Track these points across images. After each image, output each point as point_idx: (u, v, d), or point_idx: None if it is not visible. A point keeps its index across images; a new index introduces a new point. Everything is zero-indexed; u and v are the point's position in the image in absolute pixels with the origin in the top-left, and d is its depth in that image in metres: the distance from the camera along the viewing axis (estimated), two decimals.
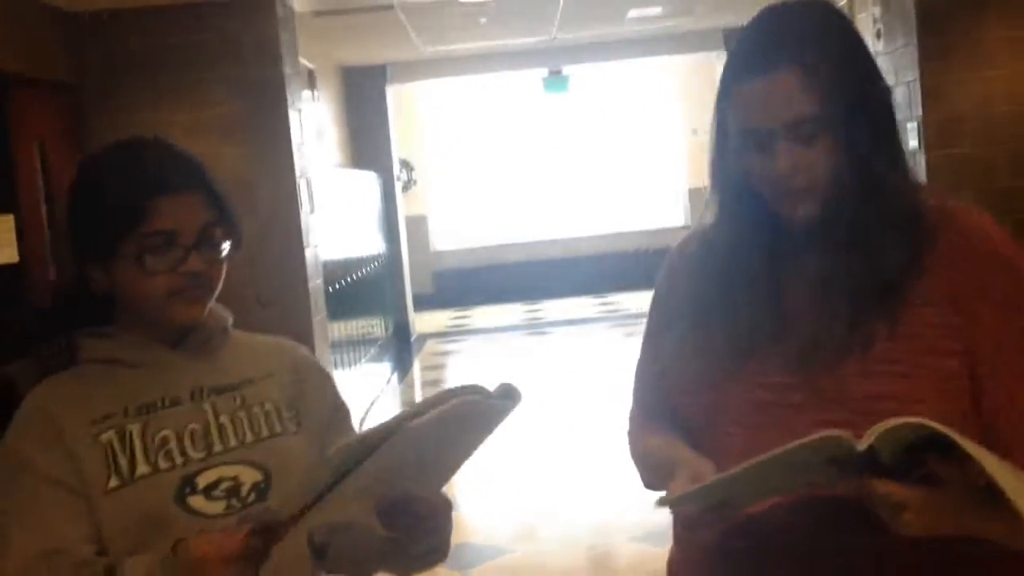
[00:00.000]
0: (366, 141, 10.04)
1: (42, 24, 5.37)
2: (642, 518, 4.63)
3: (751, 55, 1.25)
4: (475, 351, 9.96)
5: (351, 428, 1.56)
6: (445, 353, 9.95)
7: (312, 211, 5.89)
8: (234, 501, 1.34)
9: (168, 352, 1.40)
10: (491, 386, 1.22)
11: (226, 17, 5.56)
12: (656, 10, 8.51)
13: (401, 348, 9.90)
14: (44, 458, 1.30)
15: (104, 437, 1.32)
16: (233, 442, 1.38)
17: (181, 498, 1.32)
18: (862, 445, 1.04)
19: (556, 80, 11.12)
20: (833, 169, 1.23)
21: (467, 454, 1.28)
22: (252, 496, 1.36)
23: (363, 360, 7.70)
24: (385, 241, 9.75)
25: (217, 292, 1.41)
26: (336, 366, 6.38)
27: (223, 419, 1.39)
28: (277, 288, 5.67)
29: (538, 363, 9.02)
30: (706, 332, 1.30)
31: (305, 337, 5.70)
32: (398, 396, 8.18)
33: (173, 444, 1.34)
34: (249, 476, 1.36)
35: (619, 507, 4.79)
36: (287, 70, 5.67)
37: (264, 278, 5.63)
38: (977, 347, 1.19)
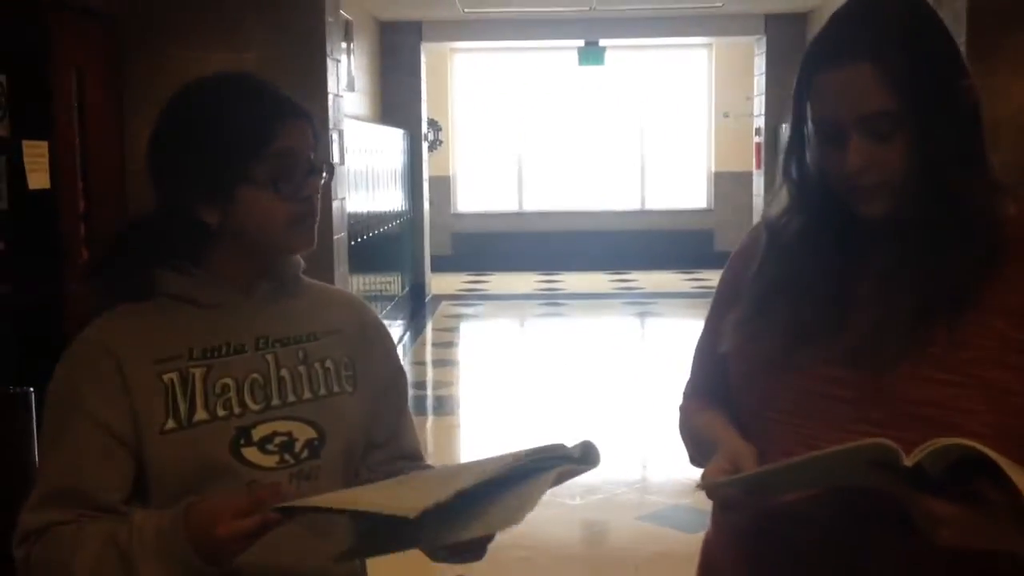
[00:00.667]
0: (397, 98, 10.02)
1: None
2: (643, 498, 4.67)
3: (831, 44, 1.22)
4: (488, 317, 9.98)
5: (405, 397, 1.56)
6: (458, 316, 9.97)
7: (342, 163, 5.89)
8: (287, 456, 1.35)
9: (241, 296, 1.39)
10: (571, 442, 1.22)
11: None
12: None
13: (416, 307, 9.93)
14: (94, 397, 1.30)
15: (166, 377, 1.32)
16: (291, 397, 1.38)
17: (236, 448, 1.32)
18: (910, 461, 1.04)
19: (591, 52, 11.06)
20: (907, 168, 1.20)
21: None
22: (305, 452, 1.37)
23: (379, 315, 7.72)
24: (408, 199, 9.75)
25: (318, 220, 1.41)
26: None
27: (284, 372, 1.38)
28: (319, 232, 5.66)
29: (550, 335, 9.03)
30: (768, 318, 1.29)
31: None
32: (409, 355, 8.21)
33: (232, 393, 1.34)
34: (303, 433, 1.37)
35: (621, 486, 4.82)
36: (328, 18, 5.65)
37: None
38: None
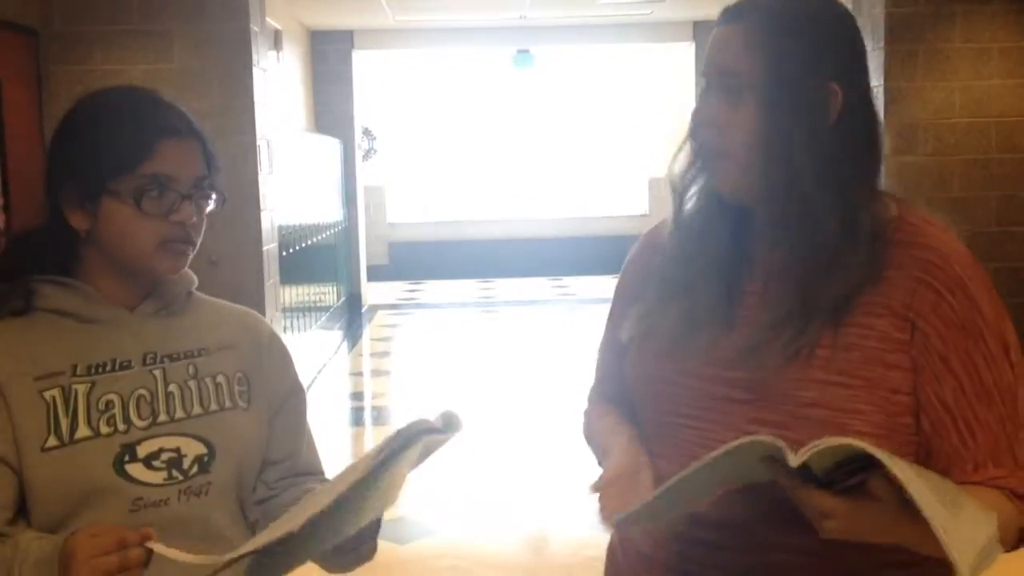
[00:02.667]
0: (329, 107, 9.95)
1: None
2: (580, 503, 4.66)
3: (730, 7, 1.27)
4: (425, 325, 9.95)
5: (303, 414, 1.54)
6: (395, 325, 9.92)
7: (271, 173, 5.83)
8: (175, 472, 1.33)
9: (126, 312, 1.37)
10: (433, 415, 1.23)
11: None
12: None
13: (352, 317, 9.86)
14: None
15: (48, 394, 1.29)
16: (180, 412, 1.36)
17: (120, 465, 1.30)
18: (796, 461, 1.05)
19: (524, 56, 11.10)
20: (748, 142, 1.21)
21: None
22: (194, 468, 1.34)
23: (314, 327, 7.66)
24: (342, 208, 9.68)
25: (197, 247, 1.39)
26: (287, 331, 6.34)
27: (172, 387, 1.36)
28: (231, 249, 5.60)
29: (488, 341, 9.03)
30: (664, 314, 1.30)
31: (256, 301, 5.65)
32: (347, 364, 8.15)
33: (117, 409, 1.32)
34: (192, 448, 1.35)
35: (558, 491, 4.81)
36: (253, 28, 5.59)
37: (218, 238, 5.54)
38: (923, 364, 1.19)
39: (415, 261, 13.06)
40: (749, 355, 1.21)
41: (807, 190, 1.20)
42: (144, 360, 1.36)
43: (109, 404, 1.31)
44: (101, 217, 1.32)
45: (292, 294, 6.82)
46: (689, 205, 1.33)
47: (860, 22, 6.25)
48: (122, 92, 1.39)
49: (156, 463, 1.32)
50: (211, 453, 1.36)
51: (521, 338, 9.13)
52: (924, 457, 1.20)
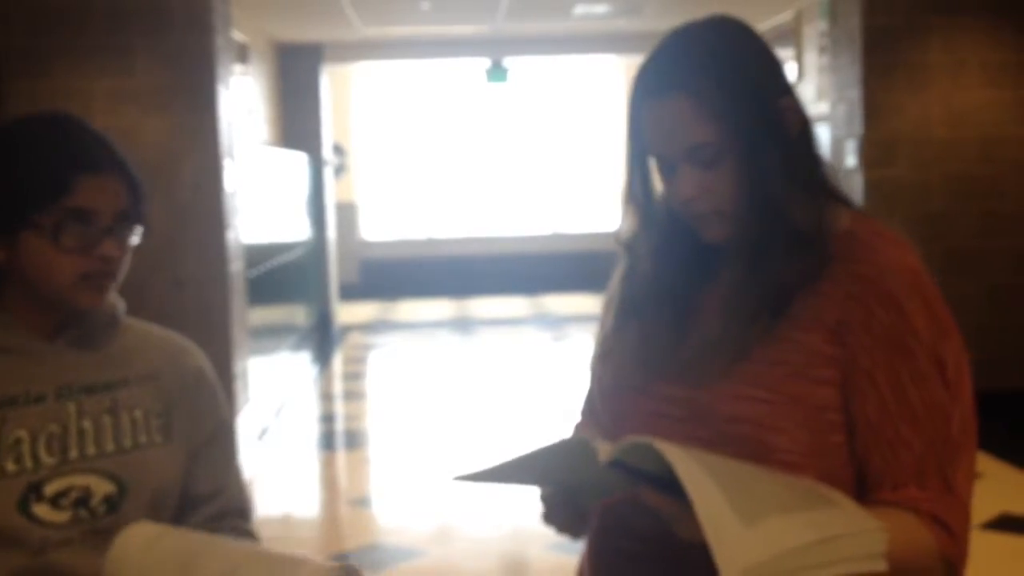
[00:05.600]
0: (298, 122, 9.79)
1: None
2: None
3: (651, 77, 1.22)
4: (399, 345, 9.78)
5: (232, 450, 1.51)
6: (368, 346, 9.74)
7: (236, 191, 5.66)
8: (82, 511, 1.30)
9: (43, 342, 1.34)
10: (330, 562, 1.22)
11: None
12: (603, 8, 8.42)
13: (323, 338, 9.68)
14: None
15: None
16: (91, 450, 1.33)
17: (24, 505, 1.27)
18: (603, 456, 1.05)
19: (498, 70, 10.98)
20: (737, 193, 1.21)
21: None
22: (103, 508, 1.32)
23: (283, 349, 7.48)
24: (312, 227, 9.51)
25: (120, 280, 1.37)
26: (254, 354, 6.16)
27: (86, 423, 1.33)
28: (195, 269, 5.42)
29: (462, 361, 8.87)
30: (621, 335, 1.31)
31: (222, 322, 5.48)
32: (317, 388, 7.97)
33: (26, 446, 1.29)
34: (101, 487, 1.32)
35: (534, 513, 4.66)
36: (218, 42, 5.43)
37: (182, 258, 5.39)
38: (850, 381, 1.17)
39: (389, 280, 12.88)
40: (688, 372, 1.22)
41: (787, 211, 1.20)
42: (58, 394, 1.32)
43: (18, 441, 1.28)
44: (19, 249, 1.30)
45: (261, 316, 6.64)
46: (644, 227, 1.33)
47: (835, 34, 6.20)
48: (41, 122, 1.35)
49: (63, 502, 1.29)
50: (121, 492, 1.33)
51: (497, 357, 8.98)
52: (858, 478, 1.19)
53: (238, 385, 5.58)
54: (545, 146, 13.49)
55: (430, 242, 13.20)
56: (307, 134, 9.77)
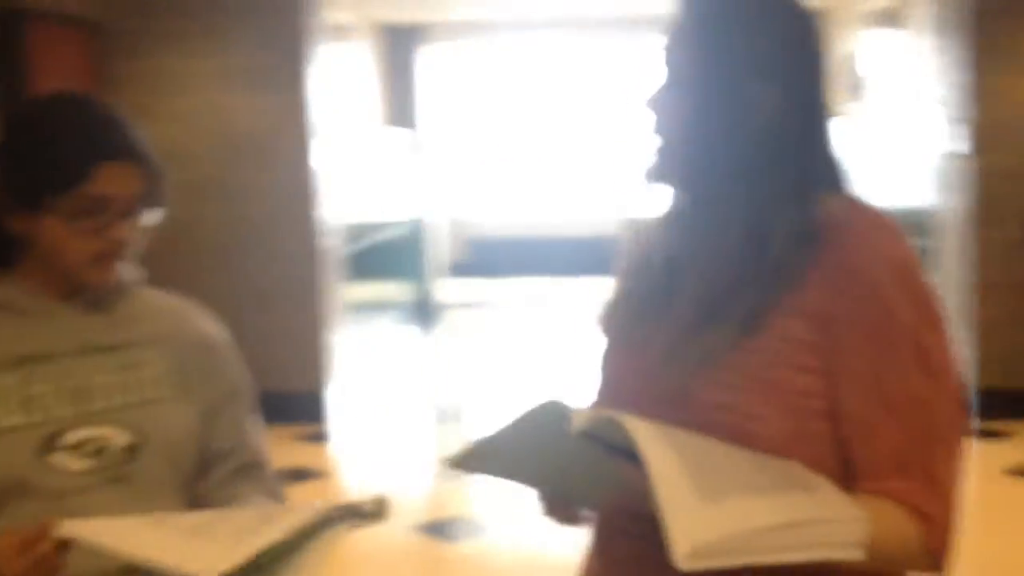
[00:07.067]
0: (400, 101, 9.93)
1: None
2: None
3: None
4: (501, 322, 9.84)
5: (247, 409, 1.56)
6: (469, 323, 9.85)
7: (334, 169, 5.79)
8: (101, 460, 1.37)
9: (60, 304, 1.42)
10: (367, 495, 1.27)
11: None
12: None
13: (424, 315, 9.82)
14: None
15: None
16: (108, 402, 1.39)
17: (43, 454, 1.34)
18: (576, 424, 1.05)
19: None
20: (675, 123, 1.22)
21: None
22: (121, 457, 1.38)
23: (384, 325, 7.62)
24: (414, 204, 9.65)
25: (126, 257, 1.44)
26: (352, 327, 6.30)
27: (102, 378, 1.40)
28: (286, 244, 5.58)
29: (565, 339, 8.87)
30: (615, 310, 1.34)
31: (310, 297, 5.63)
32: (419, 363, 8.10)
33: (47, 399, 1.36)
34: (119, 437, 1.38)
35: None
36: (308, 23, 5.55)
37: (275, 233, 5.55)
38: (831, 369, 1.16)
39: (491, 258, 12.96)
40: (669, 358, 1.21)
41: (717, 185, 1.20)
42: (75, 351, 1.40)
43: (39, 394, 1.36)
44: (37, 227, 1.37)
45: (359, 292, 6.79)
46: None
47: (944, 14, 5.92)
48: (64, 106, 1.41)
49: (81, 452, 1.36)
50: (139, 442, 1.39)
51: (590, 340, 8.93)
52: (844, 467, 1.17)
53: (326, 357, 5.73)
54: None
55: (534, 221, 13.20)
56: (409, 114, 9.90)
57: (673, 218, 1.28)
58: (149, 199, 1.41)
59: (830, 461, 1.16)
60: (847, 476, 1.16)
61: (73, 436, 1.36)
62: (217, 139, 5.60)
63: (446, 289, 10.96)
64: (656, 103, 1.24)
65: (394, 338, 8.13)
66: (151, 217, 1.43)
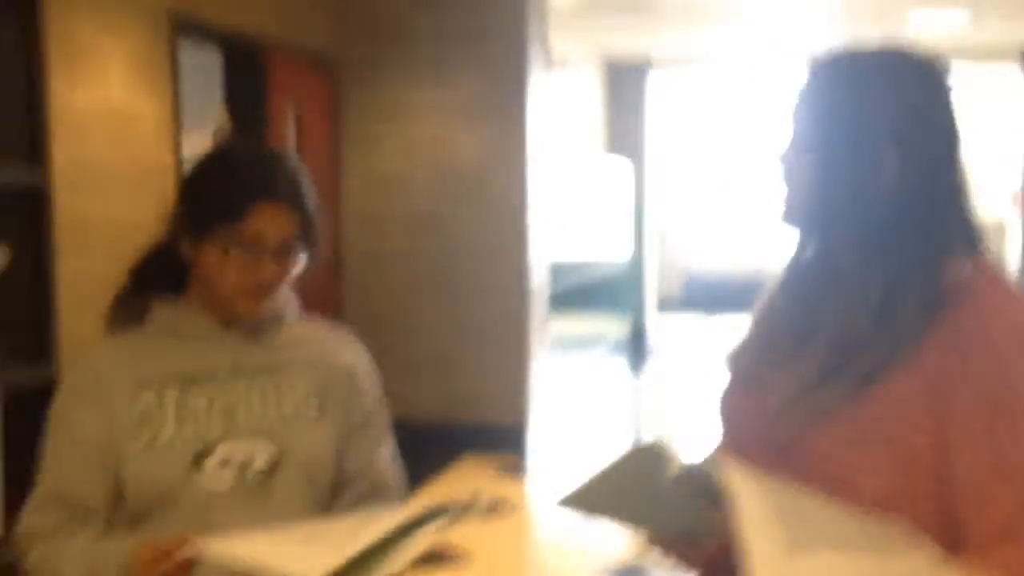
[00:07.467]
0: (621, 134, 9.87)
1: (306, 4, 5.60)
2: None
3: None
4: (712, 360, 9.58)
5: (380, 436, 1.65)
6: (681, 359, 9.65)
7: (550, 200, 5.80)
8: (244, 473, 1.48)
9: (219, 329, 1.54)
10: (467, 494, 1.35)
11: (473, 6, 5.59)
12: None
13: (637, 350, 9.70)
14: (82, 415, 1.48)
15: (143, 399, 1.48)
16: (255, 419, 1.50)
17: (193, 467, 1.46)
18: (673, 472, 1.08)
19: None
20: (807, 187, 1.26)
21: None
22: (263, 472, 1.48)
23: (595, 359, 7.57)
24: (631, 238, 9.56)
25: (279, 291, 1.54)
26: (563, 363, 6.28)
27: (250, 398, 1.51)
28: (502, 279, 5.63)
29: None
30: (743, 353, 1.37)
31: (517, 330, 5.64)
32: (628, 397, 7.99)
33: (199, 415, 1.48)
34: (263, 450, 1.49)
35: None
36: (533, 56, 5.60)
37: (490, 268, 5.62)
38: (948, 432, 1.16)
39: (709, 294, 12.67)
40: (787, 407, 1.22)
41: (848, 246, 1.22)
42: (229, 373, 1.52)
43: (195, 411, 1.48)
44: (201, 254, 1.50)
45: (568, 325, 6.76)
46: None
47: None
48: (238, 148, 1.59)
49: (227, 467, 1.47)
50: (280, 457, 1.50)
51: None
52: (949, 529, 1.15)
53: (530, 391, 5.73)
54: None
55: (756, 257, 12.83)
56: (630, 146, 9.83)
57: (802, 265, 1.32)
58: (303, 241, 1.51)
59: (934, 523, 1.15)
60: (952, 541, 1.14)
61: (221, 451, 1.47)
62: (436, 170, 5.73)
63: (659, 324, 10.80)
64: (786, 159, 1.28)
65: (604, 373, 8.06)
66: (302, 258, 1.53)
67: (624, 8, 7.03)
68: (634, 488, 1.16)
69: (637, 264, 9.86)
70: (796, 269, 1.33)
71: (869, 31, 8.10)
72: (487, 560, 4.19)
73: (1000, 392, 1.15)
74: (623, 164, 9.18)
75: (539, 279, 5.75)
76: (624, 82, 9.90)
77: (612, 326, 8.62)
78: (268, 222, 1.47)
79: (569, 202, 6.64)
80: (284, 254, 1.49)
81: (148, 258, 1.59)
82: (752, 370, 1.32)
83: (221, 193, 1.48)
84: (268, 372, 1.54)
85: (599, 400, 7.61)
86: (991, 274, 1.23)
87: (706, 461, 1.07)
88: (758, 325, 1.37)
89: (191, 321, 1.53)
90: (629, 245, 9.38)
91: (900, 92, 1.23)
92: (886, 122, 1.22)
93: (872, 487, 1.16)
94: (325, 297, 5.77)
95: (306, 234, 1.51)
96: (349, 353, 1.64)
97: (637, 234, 9.79)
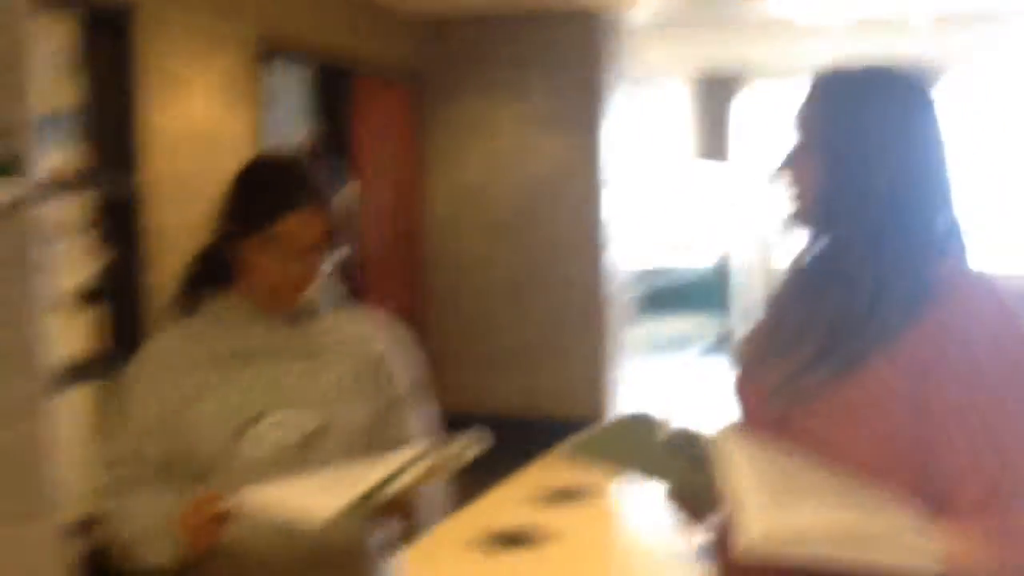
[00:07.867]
0: (712, 138, 9.89)
1: (390, 27, 5.87)
2: None
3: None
4: None
5: (413, 411, 1.82)
6: None
7: (634, 206, 5.98)
8: (288, 442, 1.65)
9: (263, 317, 1.73)
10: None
11: (549, 25, 5.84)
12: None
13: (727, 350, 9.67)
14: (146, 387, 1.71)
15: (198, 375, 1.68)
16: (297, 393, 1.69)
17: (237, 437, 1.65)
18: (662, 437, 1.19)
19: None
20: (815, 190, 1.36)
21: None
22: (305, 440, 1.66)
23: (687, 359, 7.63)
24: (721, 239, 9.57)
25: (312, 286, 1.72)
26: (650, 364, 6.43)
27: (291, 377, 1.70)
28: (576, 284, 5.83)
29: None
30: (753, 332, 1.47)
31: (595, 337, 5.84)
32: (712, 399, 8.01)
33: (243, 389, 1.67)
34: (307, 422, 1.67)
35: None
36: (610, 72, 5.79)
37: (566, 273, 5.83)
38: (922, 419, 1.25)
39: None
40: (778, 389, 1.33)
41: (848, 242, 1.33)
42: (271, 354, 1.70)
43: (237, 385, 1.68)
44: (244, 250, 1.69)
45: (659, 327, 6.87)
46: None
47: None
48: (277, 161, 1.77)
49: (268, 438, 1.65)
50: (321, 431, 1.67)
51: None
52: (931, 502, 1.23)
53: (609, 390, 5.88)
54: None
55: None
56: (722, 149, 9.84)
57: (805, 262, 1.41)
58: (333, 241, 1.69)
59: (915, 492, 1.23)
60: (933, 516, 1.20)
61: (268, 420, 1.66)
62: (515, 182, 5.97)
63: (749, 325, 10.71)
64: (791, 162, 1.39)
65: (693, 373, 8.11)
66: (333, 258, 1.71)
67: (715, 23, 7.12)
68: (632, 446, 1.28)
69: (727, 265, 9.86)
70: (801, 265, 1.42)
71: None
72: (572, 542, 4.35)
73: (972, 378, 1.24)
74: (715, 169, 9.22)
75: (618, 281, 5.90)
76: (713, 93, 9.91)
77: (705, 326, 8.66)
78: (298, 227, 1.65)
79: (661, 205, 6.75)
80: (314, 253, 1.67)
81: (199, 259, 1.78)
82: (757, 355, 1.42)
83: (257, 202, 1.68)
84: (306, 354, 1.72)
85: (685, 400, 7.67)
86: (974, 277, 1.32)
87: (687, 430, 1.17)
88: (766, 315, 1.46)
89: (235, 310, 1.72)
90: (720, 247, 9.40)
91: (891, 104, 1.35)
92: (884, 130, 1.33)
93: (855, 463, 1.24)
94: (411, 297, 6.03)
95: (335, 236, 1.69)
96: (382, 340, 1.81)
97: (728, 236, 9.79)
